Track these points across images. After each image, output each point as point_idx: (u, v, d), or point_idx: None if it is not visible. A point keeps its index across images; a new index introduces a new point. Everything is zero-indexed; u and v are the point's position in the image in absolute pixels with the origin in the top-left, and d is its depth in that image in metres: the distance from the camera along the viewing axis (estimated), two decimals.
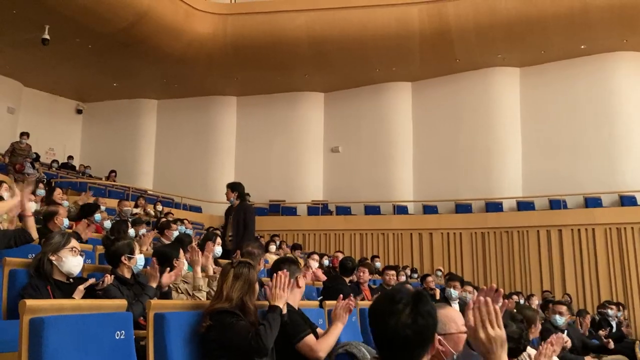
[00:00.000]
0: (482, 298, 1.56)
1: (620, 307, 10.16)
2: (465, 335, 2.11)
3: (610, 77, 14.63)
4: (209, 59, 15.47)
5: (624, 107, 14.48)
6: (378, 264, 10.79)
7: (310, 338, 2.82)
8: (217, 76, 16.87)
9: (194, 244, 4.73)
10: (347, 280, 5.86)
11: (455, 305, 5.96)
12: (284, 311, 2.79)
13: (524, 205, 14.54)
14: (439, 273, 11.56)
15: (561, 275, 13.46)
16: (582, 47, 14.43)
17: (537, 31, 13.67)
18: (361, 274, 6.42)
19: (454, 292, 6.28)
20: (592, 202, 13.90)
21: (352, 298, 3.11)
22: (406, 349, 1.58)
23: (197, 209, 16.62)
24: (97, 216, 6.07)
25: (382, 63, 15.63)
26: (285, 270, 2.89)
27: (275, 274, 2.85)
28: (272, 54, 15.12)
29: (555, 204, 14.20)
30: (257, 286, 2.84)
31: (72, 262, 3.23)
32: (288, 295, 2.81)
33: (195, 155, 18.20)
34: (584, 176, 14.24)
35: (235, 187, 6.71)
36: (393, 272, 7.08)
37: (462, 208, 15.07)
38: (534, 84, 15.58)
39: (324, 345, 2.82)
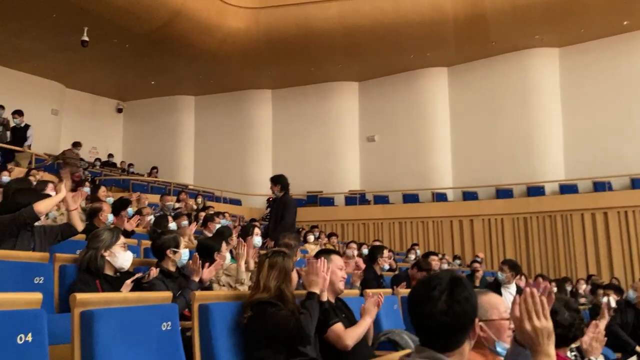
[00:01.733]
0: (528, 289, 1.53)
1: None
2: (507, 322, 2.09)
3: None
4: (243, 53, 15.59)
5: None
6: (418, 252, 10.72)
7: (338, 326, 2.82)
8: (252, 70, 16.99)
9: (233, 236, 4.81)
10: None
11: (508, 294, 5.80)
12: (324, 297, 2.80)
13: (567, 189, 14.18)
14: (479, 259, 11.38)
15: (608, 259, 13.11)
16: (625, 23, 13.93)
17: (576, 9, 13.25)
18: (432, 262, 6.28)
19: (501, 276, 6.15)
20: (639, 183, 13.46)
21: (380, 293, 3.11)
22: (444, 335, 1.57)
23: (237, 202, 16.83)
24: (130, 210, 6.21)
25: (417, 49, 15.44)
26: (322, 258, 2.90)
27: (309, 262, 2.87)
28: (305, 45, 15.13)
29: (600, 186, 13.81)
30: (294, 275, 2.85)
31: (123, 257, 3.34)
32: (326, 283, 2.82)
33: (233, 149, 18.41)
34: (630, 157, 13.79)
35: (277, 180, 6.74)
36: (436, 257, 6.96)
37: (503, 193, 14.81)
38: (574, 64, 15.14)
39: (352, 333, 2.82)
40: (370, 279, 5.53)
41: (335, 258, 3.10)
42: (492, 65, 15.89)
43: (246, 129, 18.51)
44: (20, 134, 11.94)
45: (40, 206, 3.54)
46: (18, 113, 11.94)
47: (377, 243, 9.01)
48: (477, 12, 13.71)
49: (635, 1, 12.94)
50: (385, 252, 5.92)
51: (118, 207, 5.64)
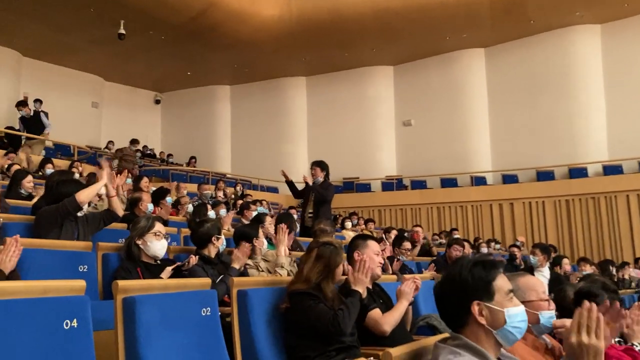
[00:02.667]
0: (587, 304, 1.48)
1: None
2: (546, 304, 2.06)
3: None
4: (276, 41, 15.60)
5: None
6: (457, 237, 10.60)
7: (376, 312, 2.81)
8: (286, 58, 17.00)
9: (266, 223, 4.83)
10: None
11: (541, 277, 5.76)
12: (364, 295, 2.80)
13: (611, 169, 13.75)
14: (519, 243, 11.19)
15: None
16: None
17: None
18: (453, 251, 6.26)
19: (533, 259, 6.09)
20: None
21: (417, 277, 3.07)
22: (442, 308, 1.63)
23: (274, 190, 16.95)
24: (169, 199, 6.33)
25: (452, 30, 15.15)
26: (366, 256, 2.88)
27: (359, 258, 2.84)
28: (338, 30, 15.03)
29: None
30: (339, 270, 2.79)
31: (156, 245, 3.39)
32: (370, 281, 2.80)
33: (269, 136, 18.52)
34: None
35: (324, 166, 6.81)
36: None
37: (544, 175, 14.46)
38: (617, 40, 14.60)
39: (389, 318, 2.81)
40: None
41: (372, 244, 3.08)
42: (530, 44, 15.47)
43: (281, 116, 18.58)
44: (30, 123, 11.73)
45: (82, 196, 3.63)
46: (21, 104, 11.87)
47: (418, 228, 8.97)
48: None
49: None
50: (406, 243, 5.89)
51: (157, 197, 5.75)
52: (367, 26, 14.83)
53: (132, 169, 8.82)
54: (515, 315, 1.57)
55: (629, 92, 14.24)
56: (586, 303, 1.49)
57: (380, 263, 3.09)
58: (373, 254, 3.02)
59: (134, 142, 12.20)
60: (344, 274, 2.93)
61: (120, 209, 4.04)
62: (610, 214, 13.28)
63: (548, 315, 2.05)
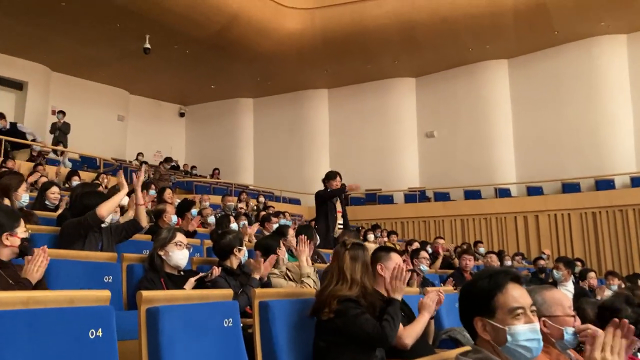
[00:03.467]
0: (617, 321, 1.47)
1: None
2: (571, 320, 2.03)
3: None
4: (299, 54, 15.72)
5: None
6: (482, 250, 10.49)
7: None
8: (308, 70, 17.11)
9: (289, 235, 4.84)
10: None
11: (565, 291, 5.67)
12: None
13: (639, 181, 13.50)
14: (545, 256, 11.02)
15: None
16: None
17: None
18: (466, 262, 6.27)
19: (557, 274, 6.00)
20: None
21: (440, 290, 3.03)
22: (463, 308, 1.62)
23: (296, 202, 17.00)
24: (194, 211, 6.38)
25: (475, 42, 15.09)
26: (406, 263, 2.87)
27: (395, 266, 2.83)
28: (360, 43, 15.10)
29: None
30: (376, 270, 2.84)
31: (178, 255, 3.43)
32: (404, 287, 2.77)
33: (292, 149, 18.60)
34: None
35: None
36: (494, 256, 6.82)
37: (570, 187, 14.24)
38: None
39: (410, 332, 2.77)
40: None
41: (394, 256, 3.05)
42: (555, 55, 15.32)
43: (304, 128, 18.67)
44: (9, 134, 11.57)
45: (103, 209, 3.67)
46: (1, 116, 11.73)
47: (441, 241, 8.90)
48: (537, 1, 13.25)
49: None
50: (423, 253, 5.84)
51: (182, 209, 5.82)
52: (389, 38, 14.87)
53: (166, 186, 8.85)
54: (519, 333, 1.53)
55: None
56: (615, 321, 1.47)
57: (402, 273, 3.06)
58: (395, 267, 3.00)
59: (168, 160, 12.17)
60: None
61: (144, 219, 4.09)
62: (638, 228, 13.00)
63: (572, 331, 2.02)
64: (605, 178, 13.89)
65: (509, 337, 1.53)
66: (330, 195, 6.79)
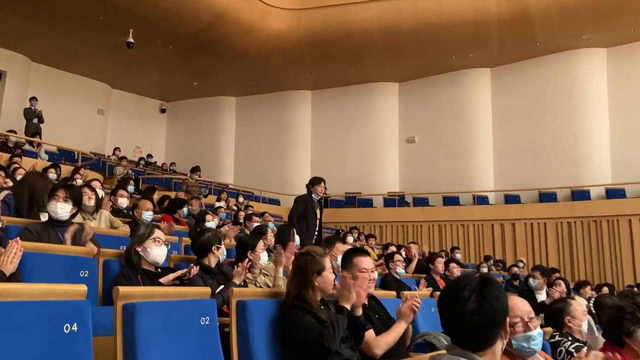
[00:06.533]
0: (610, 355, 1.54)
1: None
2: (521, 327, 2.11)
3: None
4: (284, 54, 15.71)
5: None
6: (458, 256, 10.58)
7: (368, 334, 2.77)
8: (292, 71, 17.10)
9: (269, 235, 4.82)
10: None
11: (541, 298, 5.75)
12: (359, 312, 2.77)
13: (614, 193, 13.75)
14: (521, 264, 11.17)
15: None
16: None
17: (625, 8, 12.83)
18: (438, 265, 6.35)
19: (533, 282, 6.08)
20: None
21: (416, 297, 3.01)
22: (476, 334, 1.59)
23: (276, 202, 16.95)
24: (185, 210, 6.33)
25: (459, 50, 15.24)
26: (347, 272, 2.85)
27: (341, 277, 2.80)
28: (345, 46, 15.14)
29: None
30: (320, 279, 2.70)
31: (155, 252, 3.39)
32: (356, 296, 2.73)
33: (273, 149, 18.56)
34: None
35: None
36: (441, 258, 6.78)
37: (547, 197, 14.45)
38: (622, 64, 14.67)
39: (381, 342, 2.75)
40: (389, 282, 5.51)
41: (358, 261, 2.98)
42: (537, 66, 15.54)
43: (286, 129, 18.65)
44: None
45: None
46: None
47: (412, 245, 8.98)
48: (522, 12, 13.44)
49: None
50: (397, 256, 5.89)
51: (173, 207, 5.74)
52: (374, 43, 14.93)
53: (195, 199, 8.54)
54: None
55: (634, 116, 14.27)
56: (609, 355, 1.53)
57: (370, 279, 2.99)
58: (359, 272, 2.94)
59: (195, 170, 11.51)
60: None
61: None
62: (612, 238, 13.24)
63: (522, 337, 2.07)
64: (581, 189, 14.12)
65: None
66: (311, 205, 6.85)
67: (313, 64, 16.43)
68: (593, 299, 5.53)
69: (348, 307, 2.69)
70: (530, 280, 6.12)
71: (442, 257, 6.73)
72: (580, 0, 12.83)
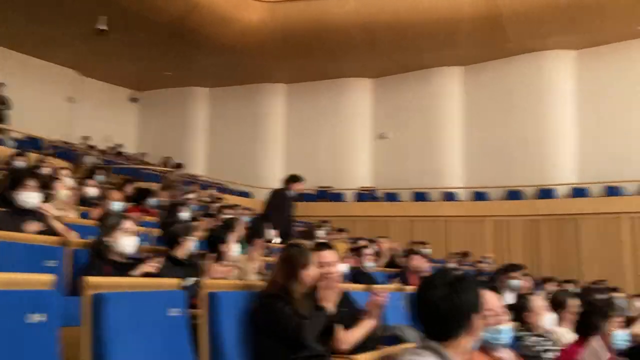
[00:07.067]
0: None
1: None
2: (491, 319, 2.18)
3: None
4: (259, 46, 15.62)
5: None
6: (427, 251, 10.69)
7: (338, 329, 2.79)
8: (267, 64, 17.03)
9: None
10: None
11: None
12: (330, 307, 2.78)
13: (579, 192, 14.10)
14: (488, 260, 11.37)
15: (618, 264, 13.00)
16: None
17: (594, 11, 13.08)
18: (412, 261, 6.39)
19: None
20: None
21: (382, 294, 3.03)
22: (440, 323, 1.67)
23: (247, 195, 16.89)
24: (152, 201, 6.27)
25: (432, 47, 15.37)
26: (336, 271, 2.88)
27: (327, 277, 2.83)
28: (321, 40, 15.13)
29: (613, 191, 13.72)
30: (306, 272, 2.71)
31: (125, 242, 3.37)
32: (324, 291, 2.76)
33: (246, 141, 18.46)
34: None
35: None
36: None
37: (514, 195, 14.75)
38: (590, 67, 15.00)
39: (349, 337, 2.78)
40: (358, 276, 5.56)
41: (318, 254, 2.91)
42: (507, 66, 15.77)
43: (259, 121, 18.57)
44: None
45: None
46: None
47: (382, 239, 9.05)
48: (494, 12, 13.61)
49: None
50: (367, 250, 5.97)
51: (139, 197, 5.70)
52: (350, 38, 14.94)
53: (176, 194, 8.38)
54: None
55: (601, 118, 14.61)
56: None
57: (330, 272, 2.92)
58: (318, 267, 2.85)
59: (179, 166, 11.15)
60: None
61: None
62: (576, 236, 13.58)
63: (492, 330, 2.14)
64: (547, 187, 14.43)
65: None
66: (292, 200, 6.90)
67: (288, 57, 16.36)
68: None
69: (328, 306, 2.73)
70: (510, 281, 6.08)
71: (418, 254, 6.73)
72: (549, 2, 13.06)
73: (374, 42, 15.11)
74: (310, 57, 16.22)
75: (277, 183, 7.13)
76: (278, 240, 6.35)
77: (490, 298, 2.21)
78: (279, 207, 6.84)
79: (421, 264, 6.12)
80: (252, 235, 4.81)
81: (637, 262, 12.92)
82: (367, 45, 15.36)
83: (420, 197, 15.80)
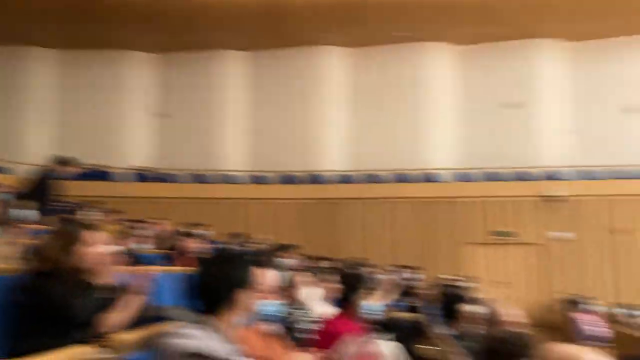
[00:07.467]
0: None
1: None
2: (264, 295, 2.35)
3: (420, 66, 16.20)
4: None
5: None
6: (207, 233, 10.70)
7: (104, 311, 2.74)
8: (31, 25, 15.25)
9: None
10: None
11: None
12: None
13: (346, 179, 15.63)
14: (267, 242, 11.86)
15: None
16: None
17: (366, 13, 14.41)
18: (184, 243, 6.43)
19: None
20: (404, 177, 15.33)
21: (147, 275, 3.03)
22: (209, 298, 1.78)
23: (3, 170, 14.93)
24: None
25: (217, 29, 15.46)
26: (105, 251, 2.81)
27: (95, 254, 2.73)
28: (96, 5, 14.05)
29: (372, 178, 15.55)
30: (83, 249, 2.63)
31: None
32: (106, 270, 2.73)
33: (3, 111, 16.35)
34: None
35: None
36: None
37: (288, 179, 15.70)
38: (360, 65, 16.66)
39: (111, 320, 2.69)
40: (128, 257, 5.48)
41: (90, 234, 2.76)
42: (289, 54, 16.62)
43: (22, 90, 16.56)
44: None
45: None
46: None
47: (162, 221, 8.91)
48: (277, 2, 14.12)
49: (414, 14, 14.52)
50: (141, 232, 5.96)
51: None
52: (132, 5, 14.08)
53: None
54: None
55: (370, 112, 16.35)
56: None
57: (99, 252, 2.81)
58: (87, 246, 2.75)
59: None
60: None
61: None
62: (346, 220, 14.94)
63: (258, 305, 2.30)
64: (317, 173, 15.68)
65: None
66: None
67: (56, 20, 14.91)
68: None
69: (99, 282, 2.68)
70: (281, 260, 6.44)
71: (190, 235, 6.76)
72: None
73: (158, 15, 14.54)
74: (84, 22, 14.91)
75: (43, 159, 6.58)
76: (39, 220, 5.84)
77: (259, 275, 2.34)
78: (41, 186, 6.32)
79: (192, 246, 6.16)
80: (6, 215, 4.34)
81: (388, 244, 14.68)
82: (148, 18, 14.71)
83: (199, 178, 15.81)
